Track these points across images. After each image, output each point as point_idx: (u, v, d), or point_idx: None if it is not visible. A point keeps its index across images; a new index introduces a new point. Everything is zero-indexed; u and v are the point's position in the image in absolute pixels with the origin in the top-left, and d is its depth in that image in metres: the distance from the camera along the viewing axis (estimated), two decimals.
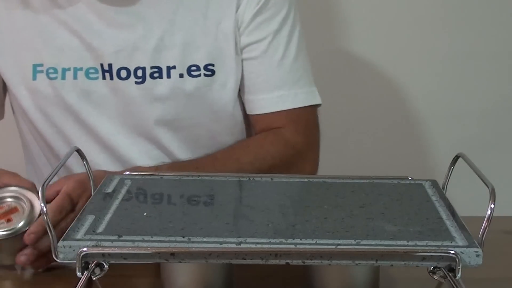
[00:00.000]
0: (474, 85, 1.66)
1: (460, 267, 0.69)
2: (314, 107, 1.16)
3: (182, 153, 1.13)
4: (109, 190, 0.85)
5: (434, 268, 0.75)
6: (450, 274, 0.71)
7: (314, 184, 0.89)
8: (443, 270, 0.72)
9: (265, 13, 1.12)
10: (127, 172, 0.91)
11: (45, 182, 0.73)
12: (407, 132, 1.65)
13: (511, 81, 1.66)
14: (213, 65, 1.10)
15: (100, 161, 1.11)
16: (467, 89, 1.66)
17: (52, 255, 0.72)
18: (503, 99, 1.67)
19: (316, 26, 1.51)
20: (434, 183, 0.88)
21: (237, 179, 0.90)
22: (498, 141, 1.69)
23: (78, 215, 0.77)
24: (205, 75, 1.10)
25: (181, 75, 1.10)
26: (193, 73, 1.10)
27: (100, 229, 0.74)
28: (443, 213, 0.79)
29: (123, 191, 0.84)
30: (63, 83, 1.09)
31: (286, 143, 1.13)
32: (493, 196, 0.72)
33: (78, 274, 0.70)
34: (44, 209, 0.70)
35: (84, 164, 0.86)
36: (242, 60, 1.13)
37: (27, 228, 0.84)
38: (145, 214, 0.78)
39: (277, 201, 0.83)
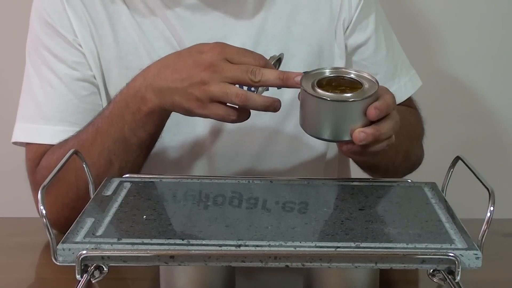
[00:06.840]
0: (474, 86, 1.66)
1: (460, 269, 0.69)
2: None
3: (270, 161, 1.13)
4: (109, 193, 0.84)
5: (433, 270, 0.76)
6: (449, 277, 0.71)
7: (313, 186, 0.89)
8: (443, 272, 0.72)
9: (364, 11, 1.13)
10: (127, 175, 0.91)
11: (44, 184, 0.73)
12: None
13: (511, 81, 1.66)
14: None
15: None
16: (467, 89, 1.66)
17: None
18: (503, 99, 1.67)
19: None
20: (433, 186, 0.88)
21: (237, 182, 0.90)
22: (498, 142, 1.69)
23: (78, 218, 0.77)
24: None
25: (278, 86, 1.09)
26: None
27: (99, 232, 0.74)
28: (443, 216, 0.79)
29: (123, 193, 0.84)
30: None
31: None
32: (492, 198, 0.72)
33: (78, 277, 0.70)
34: (44, 211, 0.70)
35: (84, 166, 0.86)
36: (352, 63, 1.14)
37: (356, 99, 0.81)
38: (144, 217, 0.78)
39: (276, 203, 0.83)
